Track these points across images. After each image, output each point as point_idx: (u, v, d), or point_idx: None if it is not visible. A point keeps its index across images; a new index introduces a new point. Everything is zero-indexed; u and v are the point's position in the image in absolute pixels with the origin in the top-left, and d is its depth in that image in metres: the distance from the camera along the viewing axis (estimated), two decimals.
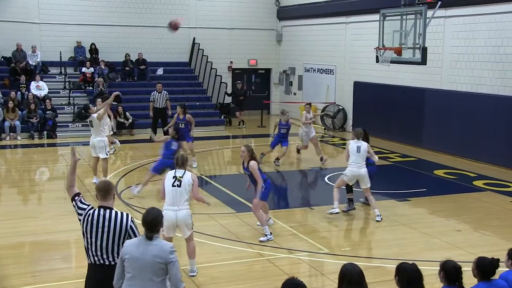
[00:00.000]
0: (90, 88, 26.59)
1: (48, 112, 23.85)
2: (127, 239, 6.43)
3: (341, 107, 26.75)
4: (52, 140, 23.33)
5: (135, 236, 6.46)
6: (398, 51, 17.41)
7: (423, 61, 17.10)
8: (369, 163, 13.53)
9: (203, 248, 11.09)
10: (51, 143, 22.99)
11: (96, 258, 6.46)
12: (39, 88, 25.30)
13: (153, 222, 6.03)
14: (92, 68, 27.13)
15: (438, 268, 5.91)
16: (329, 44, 27.77)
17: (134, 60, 28.42)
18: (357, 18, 25.59)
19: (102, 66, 27.15)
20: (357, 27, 25.70)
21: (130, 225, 6.47)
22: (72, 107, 25.21)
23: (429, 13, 16.83)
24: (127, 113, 24.95)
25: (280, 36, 31.97)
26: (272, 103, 32.56)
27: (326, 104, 27.28)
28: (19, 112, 23.83)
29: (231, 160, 21.21)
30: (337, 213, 13.09)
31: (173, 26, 16.52)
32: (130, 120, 24.85)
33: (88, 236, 6.48)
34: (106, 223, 6.41)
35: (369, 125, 17.88)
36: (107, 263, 6.43)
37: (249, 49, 31.60)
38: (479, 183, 16.57)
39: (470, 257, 10.31)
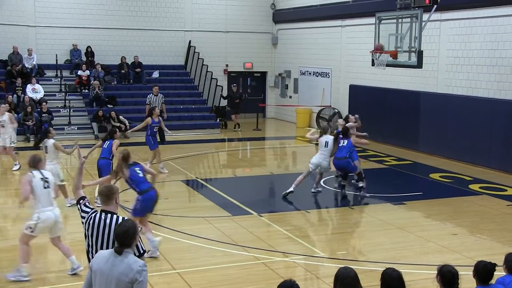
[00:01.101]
0: (86, 91, 26.58)
1: (44, 115, 23.81)
2: None
3: (336, 110, 26.75)
4: None
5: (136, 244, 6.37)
6: (394, 55, 17.42)
7: (419, 65, 17.12)
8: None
9: (199, 252, 11.07)
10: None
11: None
12: (35, 91, 25.26)
13: (124, 235, 5.61)
14: (88, 71, 27.12)
15: (434, 272, 5.90)
16: (325, 47, 27.79)
17: (130, 63, 28.41)
18: (352, 22, 25.61)
19: (98, 69, 27.13)
20: (353, 30, 25.72)
21: None
22: (68, 110, 25.19)
23: (425, 16, 16.85)
24: (120, 116, 24.91)
25: (275, 39, 31.98)
26: (267, 106, 32.57)
27: (322, 107, 27.30)
28: (15, 115, 23.77)
29: (227, 163, 21.21)
30: (290, 192, 15.04)
31: None
32: (126, 123, 24.82)
33: (89, 240, 6.47)
34: (106, 228, 6.35)
35: (364, 128, 17.89)
36: None
37: (244, 52, 31.61)
38: (475, 186, 16.58)
39: (466, 261, 10.34)
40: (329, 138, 15.23)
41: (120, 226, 5.75)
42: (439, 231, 12.56)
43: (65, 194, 14.31)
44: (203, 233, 12.04)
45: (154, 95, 23.09)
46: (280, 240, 11.86)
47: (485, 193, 15.81)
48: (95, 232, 6.39)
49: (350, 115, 19.85)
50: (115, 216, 6.44)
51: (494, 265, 6.04)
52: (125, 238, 5.60)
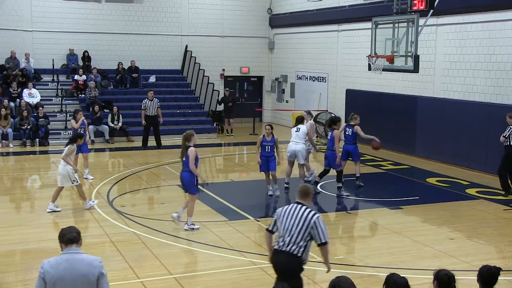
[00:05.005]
0: (82, 95, 26.56)
1: (41, 119, 23.78)
2: (309, 233, 7.42)
3: (333, 115, 26.74)
4: (44, 147, 23.25)
5: (317, 232, 7.42)
6: (390, 59, 17.41)
7: (415, 69, 17.10)
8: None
9: (196, 257, 11.05)
10: (43, 150, 22.91)
11: (281, 244, 7.53)
12: (31, 95, 25.23)
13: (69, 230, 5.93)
14: (85, 76, 27.09)
15: (431, 277, 5.88)
16: (321, 52, 27.82)
17: (126, 68, 28.39)
18: (349, 26, 25.63)
19: (94, 74, 27.10)
20: (349, 35, 25.75)
21: (315, 221, 7.44)
22: (64, 114, 25.15)
23: (421, 21, 16.86)
24: (120, 115, 24.98)
25: (272, 44, 32.02)
26: (264, 111, 32.57)
27: (318, 112, 27.29)
28: (12, 119, 23.77)
29: (223, 167, 21.18)
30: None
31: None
32: (120, 124, 24.83)
33: (279, 224, 7.63)
34: (295, 214, 7.56)
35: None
36: (287, 249, 7.46)
37: (241, 56, 31.64)
38: (471, 191, 16.58)
39: (463, 265, 10.34)
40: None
41: (66, 228, 5.97)
42: (436, 236, 12.56)
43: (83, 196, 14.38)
44: (199, 238, 12.02)
45: (150, 100, 23.05)
46: None
47: (482, 198, 15.82)
48: (288, 218, 7.57)
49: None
50: (303, 207, 7.61)
51: (499, 269, 6.01)
52: (72, 239, 5.86)
